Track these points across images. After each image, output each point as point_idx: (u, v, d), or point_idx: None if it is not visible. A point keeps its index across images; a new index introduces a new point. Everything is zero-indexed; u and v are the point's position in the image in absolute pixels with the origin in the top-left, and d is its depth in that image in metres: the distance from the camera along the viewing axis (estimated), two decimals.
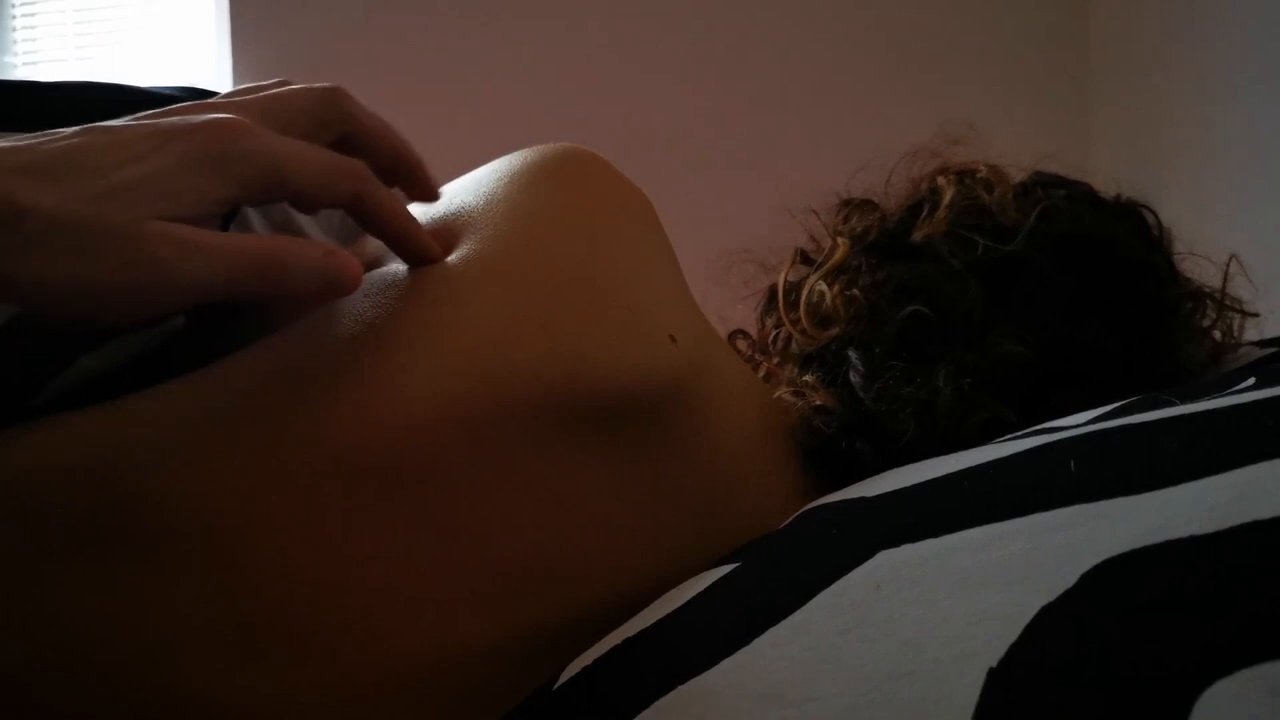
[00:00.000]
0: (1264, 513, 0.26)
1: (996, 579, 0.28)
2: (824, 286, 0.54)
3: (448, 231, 0.43)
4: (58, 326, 0.42)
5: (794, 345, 0.54)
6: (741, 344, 0.61)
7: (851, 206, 0.59)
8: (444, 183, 0.46)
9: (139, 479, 0.36)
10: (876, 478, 0.41)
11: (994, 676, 0.25)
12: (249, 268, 0.35)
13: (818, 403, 0.49)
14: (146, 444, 0.37)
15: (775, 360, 0.56)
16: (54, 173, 0.33)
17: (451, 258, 0.42)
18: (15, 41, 2.18)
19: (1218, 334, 0.59)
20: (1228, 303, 0.59)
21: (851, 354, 0.50)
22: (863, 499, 0.39)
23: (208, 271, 0.34)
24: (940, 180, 0.57)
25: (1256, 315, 0.60)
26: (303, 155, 0.37)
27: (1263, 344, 0.59)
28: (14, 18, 2.17)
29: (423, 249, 0.41)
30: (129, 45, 2.15)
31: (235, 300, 0.38)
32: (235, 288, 0.35)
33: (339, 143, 0.40)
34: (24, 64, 2.17)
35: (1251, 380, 0.39)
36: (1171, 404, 0.36)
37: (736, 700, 0.30)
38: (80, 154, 0.34)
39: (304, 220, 0.49)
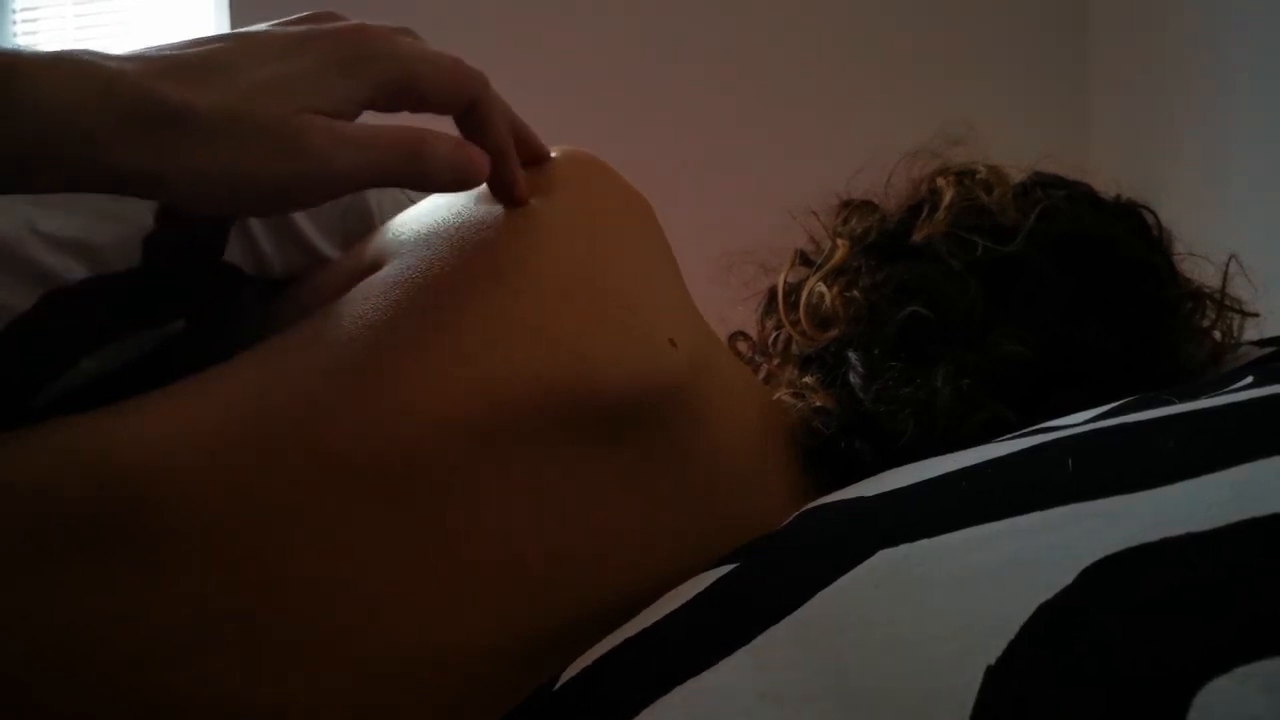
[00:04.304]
0: (1261, 510, 0.26)
1: (995, 577, 0.28)
2: (824, 288, 0.54)
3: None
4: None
5: (794, 347, 0.54)
6: (742, 345, 0.61)
7: (851, 208, 0.59)
8: None
9: (140, 480, 0.36)
10: (876, 478, 0.41)
11: (992, 674, 0.25)
12: (394, 156, 0.36)
13: (817, 404, 0.49)
14: (147, 445, 0.37)
15: (775, 362, 0.56)
16: (201, 73, 0.33)
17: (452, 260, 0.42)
18: (16, 43, 2.18)
19: (1218, 334, 0.59)
20: (1227, 303, 0.59)
21: (851, 355, 0.50)
22: (862, 499, 0.39)
23: (361, 159, 0.35)
24: (940, 181, 0.57)
25: (1256, 315, 0.60)
26: (433, 58, 0.38)
27: (1262, 344, 0.59)
28: (15, 22, 2.17)
29: (516, 174, 0.42)
30: (130, 47, 2.15)
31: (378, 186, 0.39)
32: (382, 176, 0.36)
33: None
34: None
35: (1249, 379, 0.39)
36: (1169, 403, 0.36)
37: (736, 700, 0.30)
38: (223, 55, 0.34)
39: (305, 224, 0.49)
